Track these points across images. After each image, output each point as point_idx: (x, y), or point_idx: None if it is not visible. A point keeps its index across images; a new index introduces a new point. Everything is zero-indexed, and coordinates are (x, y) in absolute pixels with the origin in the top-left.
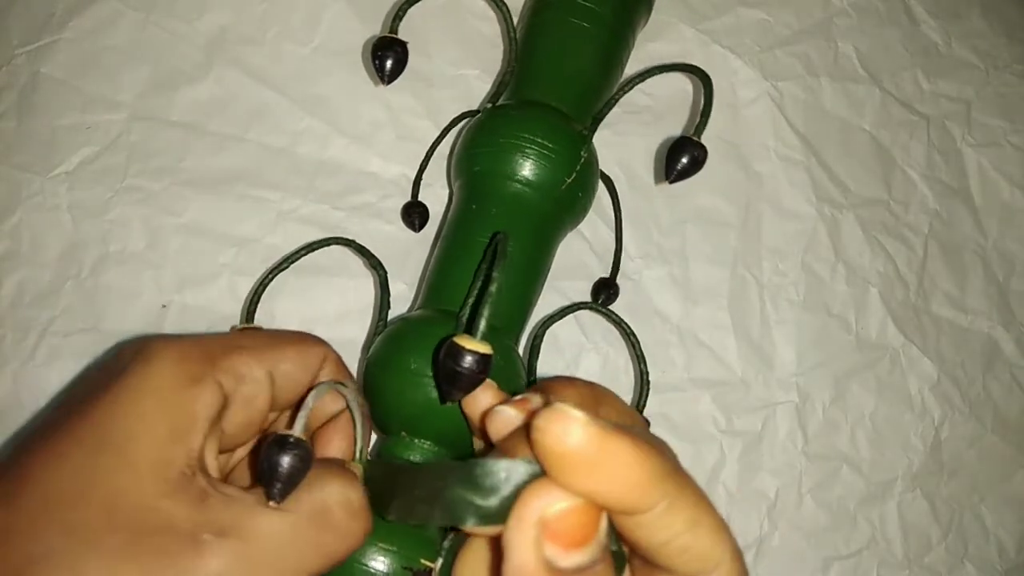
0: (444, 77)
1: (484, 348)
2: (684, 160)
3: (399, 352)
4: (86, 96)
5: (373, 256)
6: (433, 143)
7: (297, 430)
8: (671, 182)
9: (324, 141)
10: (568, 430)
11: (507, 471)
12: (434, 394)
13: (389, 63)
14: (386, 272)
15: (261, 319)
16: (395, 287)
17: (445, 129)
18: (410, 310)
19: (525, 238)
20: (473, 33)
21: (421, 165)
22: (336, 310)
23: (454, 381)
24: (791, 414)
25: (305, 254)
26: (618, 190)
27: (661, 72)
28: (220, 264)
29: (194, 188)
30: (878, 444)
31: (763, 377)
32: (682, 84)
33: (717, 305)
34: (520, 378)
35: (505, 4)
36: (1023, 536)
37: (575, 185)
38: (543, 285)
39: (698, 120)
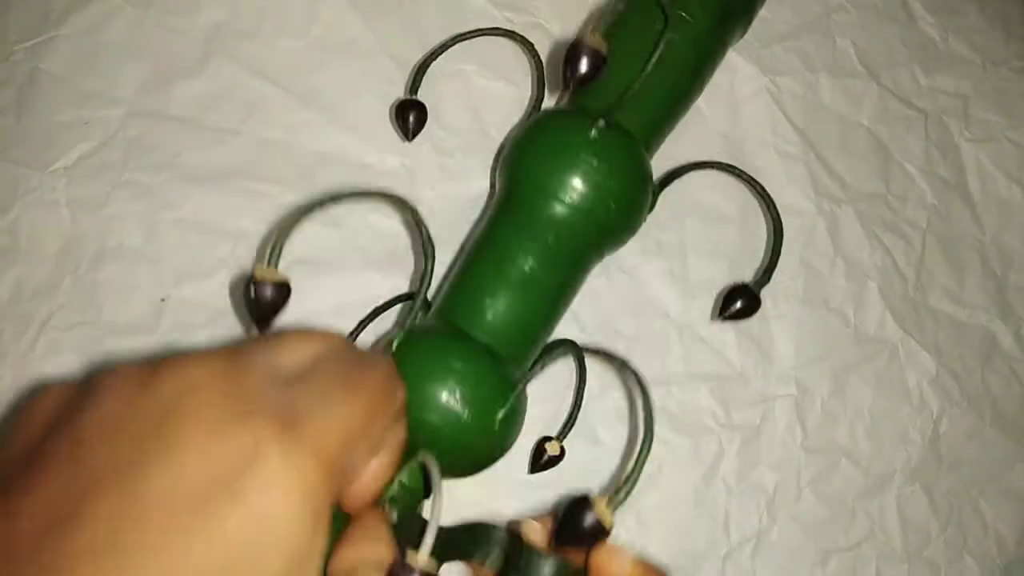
0: (442, 73)
1: (608, 520)
2: (739, 304)
3: (422, 377)
4: (84, 92)
5: (425, 229)
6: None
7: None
8: (724, 320)
9: (321, 134)
10: (622, 563)
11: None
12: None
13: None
14: (434, 260)
15: None
16: (392, 282)
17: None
18: (414, 310)
19: (555, 262)
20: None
21: (426, 59)
22: (334, 304)
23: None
24: (790, 408)
25: (349, 200)
26: None
27: (764, 200)
28: (218, 258)
29: (192, 182)
30: (877, 437)
31: (762, 371)
32: None
33: (716, 299)
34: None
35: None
36: (1022, 529)
37: (625, 213)
38: (561, 316)
39: (763, 269)
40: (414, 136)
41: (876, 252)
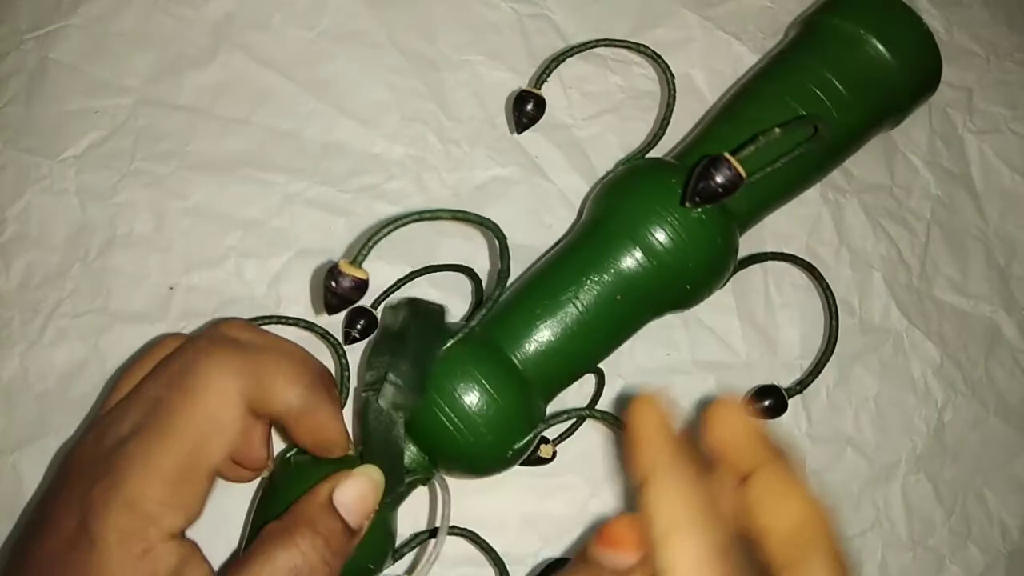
0: (450, 62)
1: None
2: (767, 403)
3: (455, 383)
4: (94, 81)
5: (507, 258)
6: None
7: None
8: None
9: (329, 124)
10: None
11: None
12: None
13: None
14: (504, 286)
15: (268, 305)
16: (398, 269)
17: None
18: (470, 325)
19: (611, 309)
20: (478, 19)
21: (558, 59)
22: None
23: None
24: (795, 397)
25: (445, 218)
26: None
27: (828, 308)
28: (226, 246)
29: (200, 171)
30: (882, 427)
31: (767, 360)
32: (686, 69)
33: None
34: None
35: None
36: None
37: (699, 283)
38: (599, 361)
39: (800, 380)
40: (523, 130)
41: (881, 242)
